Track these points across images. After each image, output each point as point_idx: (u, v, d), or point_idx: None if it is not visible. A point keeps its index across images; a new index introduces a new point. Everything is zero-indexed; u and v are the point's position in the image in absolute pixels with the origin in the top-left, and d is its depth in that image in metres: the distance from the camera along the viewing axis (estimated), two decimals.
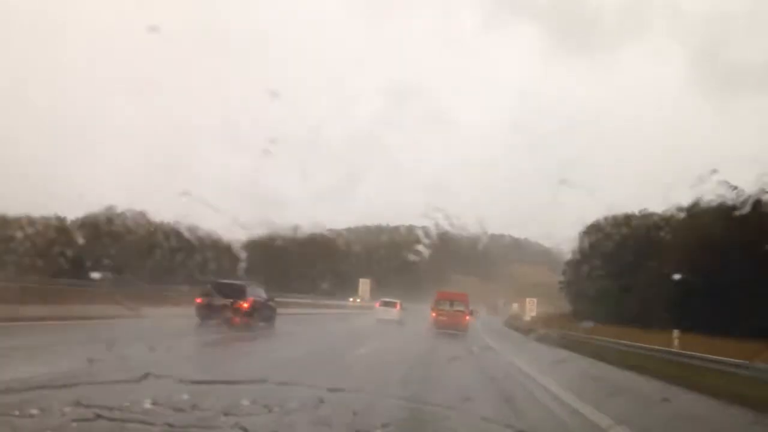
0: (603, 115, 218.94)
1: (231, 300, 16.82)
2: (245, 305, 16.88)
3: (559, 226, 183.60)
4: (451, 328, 26.88)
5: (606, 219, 62.33)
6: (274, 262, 66.57)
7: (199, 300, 17.33)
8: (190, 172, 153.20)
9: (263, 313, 18.34)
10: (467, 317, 28.92)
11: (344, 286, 78.17)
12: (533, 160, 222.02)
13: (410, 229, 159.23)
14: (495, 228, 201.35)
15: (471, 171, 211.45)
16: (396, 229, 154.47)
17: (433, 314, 28.60)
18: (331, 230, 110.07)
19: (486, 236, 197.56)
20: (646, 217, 51.93)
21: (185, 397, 4.27)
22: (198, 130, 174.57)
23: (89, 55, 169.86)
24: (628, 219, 55.76)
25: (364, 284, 63.14)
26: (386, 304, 31.85)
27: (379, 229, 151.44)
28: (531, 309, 56.78)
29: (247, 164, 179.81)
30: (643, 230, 48.12)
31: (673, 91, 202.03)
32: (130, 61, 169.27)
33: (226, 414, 3.89)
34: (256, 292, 18.25)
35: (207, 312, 16.81)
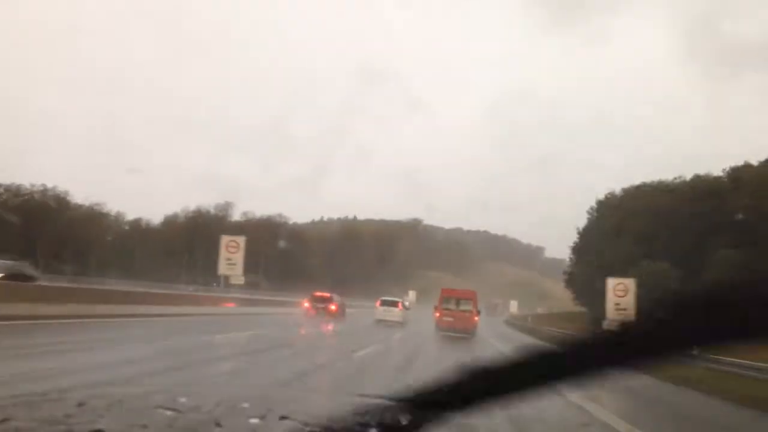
0: (590, 101, 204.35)
1: (325, 304, 28.34)
2: (333, 307, 28.30)
3: (543, 223, 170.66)
4: (457, 330, 24.60)
5: (627, 190, 47.82)
6: (198, 247, 50.45)
7: (307, 305, 28.65)
8: (147, 162, 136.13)
9: (340, 310, 29.20)
10: (475, 318, 26.09)
11: (309, 282, 62.90)
12: (513, 153, 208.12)
13: (381, 223, 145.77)
14: (471, 223, 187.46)
15: (447, 163, 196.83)
16: (366, 222, 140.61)
17: (437, 314, 26.47)
18: (294, 223, 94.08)
19: (462, 232, 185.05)
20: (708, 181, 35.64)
21: None
22: (157, 118, 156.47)
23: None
24: (660, 185, 41.26)
25: (231, 243, 28.53)
26: (387, 303, 30.29)
27: (347, 223, 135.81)
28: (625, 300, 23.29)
29: (207, 154, 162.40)
30: (701, 196, 33.26)
31: (667, 73, 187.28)
32: (89, 49, 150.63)
33: None
34: (338, 300, 29.58)
35: (314, 311, 27.73)
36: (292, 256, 65.24)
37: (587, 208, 48.02)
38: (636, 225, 36.07)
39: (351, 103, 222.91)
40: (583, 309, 53.62)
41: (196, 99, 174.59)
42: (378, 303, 30.75)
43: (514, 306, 66.97)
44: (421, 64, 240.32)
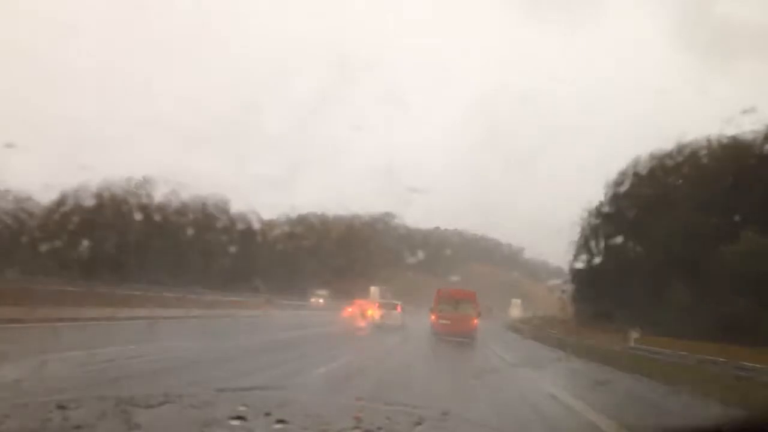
0: (576, 94, 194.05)
1: (363, 309, 30.94)
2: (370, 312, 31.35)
3: (524, 223, 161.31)
4: (456, 334, 21.81)
5: (658, 155, 36.87)
6: (101, 234, 38.13)
7: (351, 309, 31.84)
8: (103, 157, 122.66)
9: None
10: (475, 320, 23.39)
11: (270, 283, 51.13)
12: (493, 151, 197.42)
13: (354, 218, 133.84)
14: (450, 223, 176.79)
15: (425, 163, 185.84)
16: (336, 218, 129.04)
17: (433, 317, 23.77)
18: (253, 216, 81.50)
19: (440, 231, 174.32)
20: None
21: None
22: (115, 110, 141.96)
23: None
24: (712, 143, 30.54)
25: None
26: (386, 306, 28.73)
27: (315, 218, 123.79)
28: None
29: (168, 148, 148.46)
30: None
31: (658, 63, 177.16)
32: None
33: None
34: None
35: (357, 313, 29.85)
36: (238, 250, 52.83)
37: (605, 182, 37.03)
38: (694, 192, 25.26)
39: (324, 97, 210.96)
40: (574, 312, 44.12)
41: (155, 87, 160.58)
42: (377, 305, 29.96)
43: (516, 306, 53.91)
44: (401, 56, 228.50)
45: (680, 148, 30.98)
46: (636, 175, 33.82)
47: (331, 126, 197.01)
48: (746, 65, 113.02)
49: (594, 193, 43.04)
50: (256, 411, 1.25)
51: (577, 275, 41.85)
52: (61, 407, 1.29)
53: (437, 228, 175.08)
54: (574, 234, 40.99)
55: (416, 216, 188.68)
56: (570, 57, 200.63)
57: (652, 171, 32.16)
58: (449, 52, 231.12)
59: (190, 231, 43.39)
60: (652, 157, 35.48)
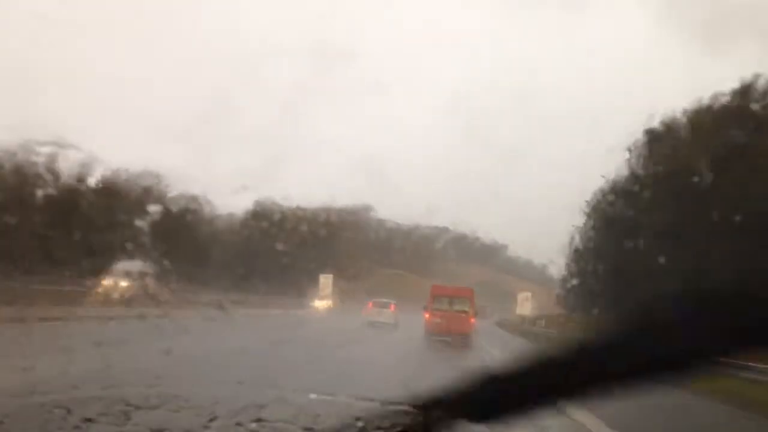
0: (563, 87, 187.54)
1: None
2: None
3: (506, 220, 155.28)
4: (451, 334, 20.79)
5: (700, 111, 28.51)
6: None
7: (368, 310, 30.90)
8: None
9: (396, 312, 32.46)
10: (472, 320, 22.85)
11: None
12: (476, 147, 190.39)
13: (324, 210, 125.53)
14: (431, 220, 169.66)
15: (406, 158, 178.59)
16: (309, 211, 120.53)
17: (427, 315, 22.82)
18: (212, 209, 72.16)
19: (421, 228, 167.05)
20: None
21: None
22: (78, 100, 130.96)
23: None
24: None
25: None
26: (380, 305, 28.32)
27: (290, 212, 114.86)
28: None
29: (139, 140, 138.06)
30: None
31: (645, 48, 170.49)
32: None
33: None
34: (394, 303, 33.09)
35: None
36: (177, 241, 43.54)
37: (627, 145, 28.77)
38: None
39: (302, 88, 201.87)
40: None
41: (125, 78, 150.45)
42: (370, 304, 29.34)
43: (526, 301, 43.38)
44: (383, 47, 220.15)
45: (744, 90, 22.75)
46: (670, 138, 25.64)
47: (310, 118, 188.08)
48: (739, 46, 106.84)
49: (587, 188, 35.67)
50: (250, 409, 1.22)
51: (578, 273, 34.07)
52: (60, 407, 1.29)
53: (418, 225, 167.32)
54: (578, 220, 33.48)
55: (397, 212, 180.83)
56: (557, 48, 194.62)
57: (700, 124, 24.00)
58: (431, 43, 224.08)
59: (99, 210, 34.34)
60: (689, 113, 27.22)
